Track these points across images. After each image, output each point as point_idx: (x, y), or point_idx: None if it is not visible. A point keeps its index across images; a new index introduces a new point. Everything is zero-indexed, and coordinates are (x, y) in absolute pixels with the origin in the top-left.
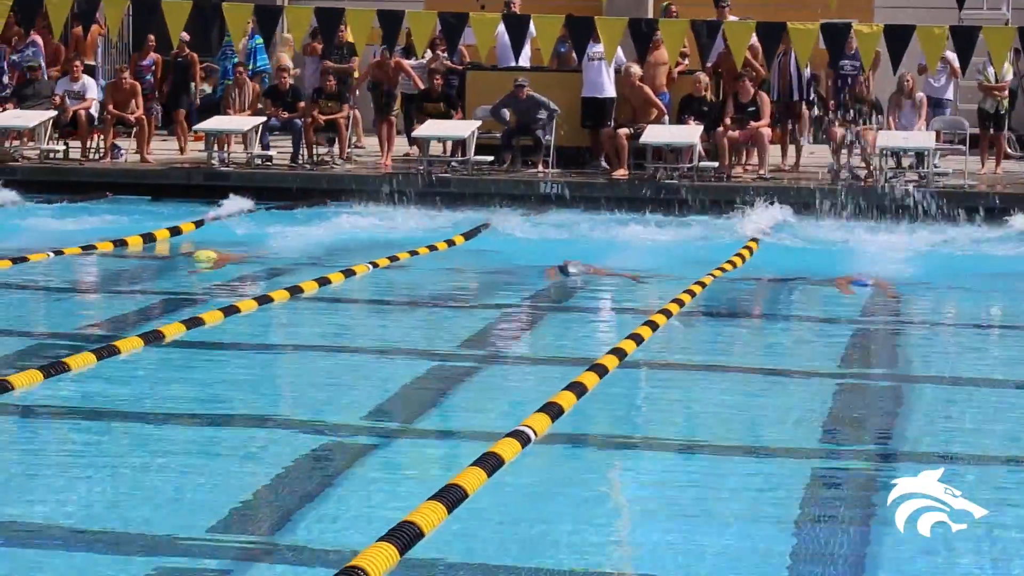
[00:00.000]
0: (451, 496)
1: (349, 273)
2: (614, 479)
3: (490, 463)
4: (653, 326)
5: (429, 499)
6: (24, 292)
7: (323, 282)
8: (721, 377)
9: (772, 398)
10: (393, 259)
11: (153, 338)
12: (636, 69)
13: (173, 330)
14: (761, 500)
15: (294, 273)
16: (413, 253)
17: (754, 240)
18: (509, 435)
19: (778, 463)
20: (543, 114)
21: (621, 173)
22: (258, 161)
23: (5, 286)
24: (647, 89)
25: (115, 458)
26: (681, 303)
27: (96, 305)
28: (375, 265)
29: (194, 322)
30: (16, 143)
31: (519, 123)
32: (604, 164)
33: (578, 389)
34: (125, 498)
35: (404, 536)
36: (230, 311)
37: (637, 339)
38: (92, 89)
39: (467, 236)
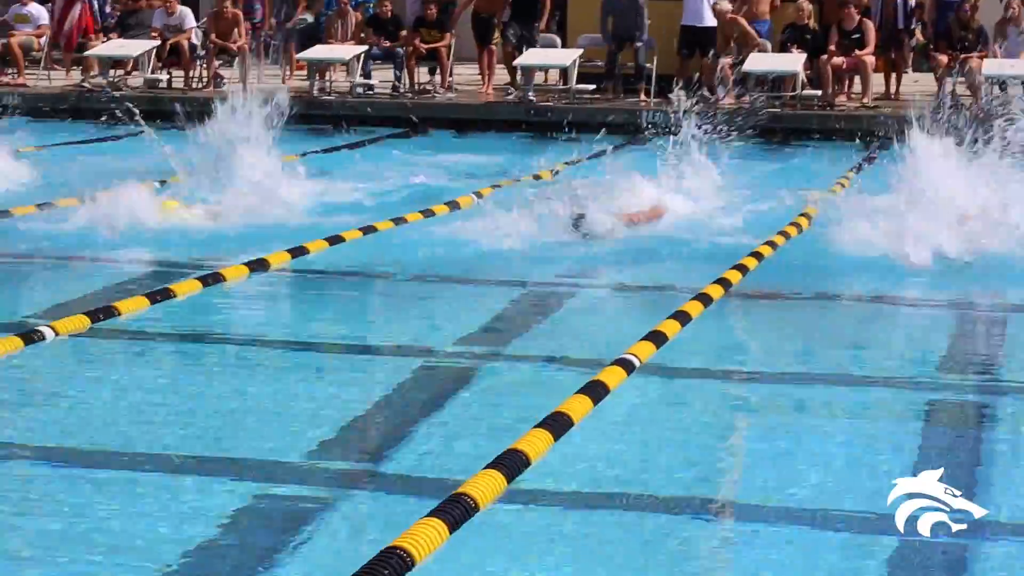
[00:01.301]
0: (557, 424)
1: (454, 205)
2: (717, 408)
3: (596, 391)
4: (759, 256)
5: (535, 427)
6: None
7: (428, 214)
8: (825, 306)
9: (877, 329)
10: (496, 187)
11: (258, 266)
12: (725, 5)
13: (278, 259)
14: (866, 430)
15: (399, 204)
16: (516, 180)
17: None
18: (614, 363)
19: (884, 393)
20: (641, 23)
21: (728, 102)
22: (360, 90)
23: None
24: (742, 21)
25: (219, 383)
26: (787, 235)
27: (203, 233)
28: (479, 195)
29: (299, 251)
30: (120, 72)
31: (617, 30)
32: (706, 93)
33: (683, 318)
34: (227, 423)
35: (511, 464)
36: (335, 240)
37: (742, 269)
38: (189, 19)
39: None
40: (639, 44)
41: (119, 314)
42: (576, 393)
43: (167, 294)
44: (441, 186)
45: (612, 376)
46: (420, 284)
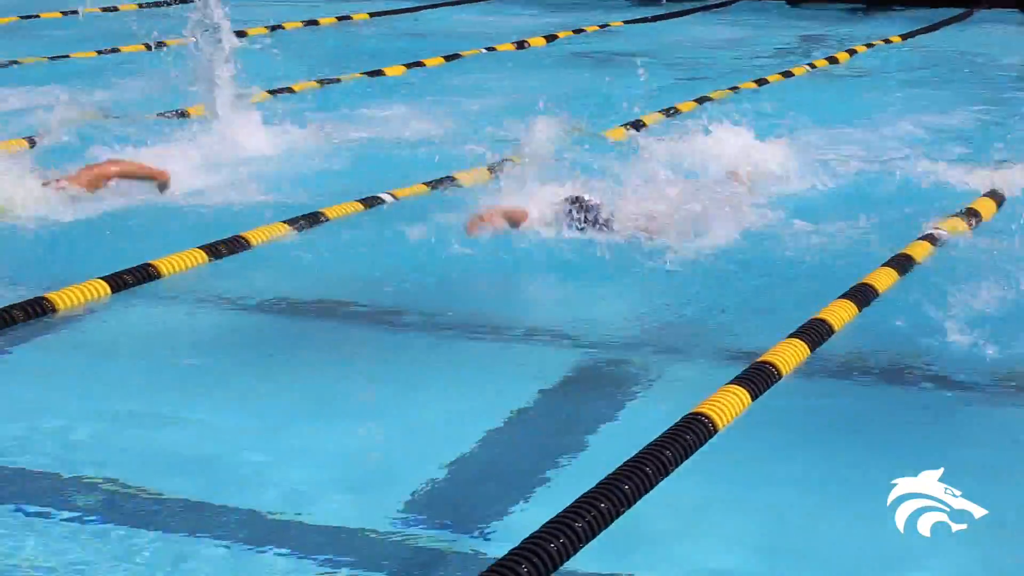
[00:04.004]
0: (862, 295)
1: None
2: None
3: (901, 264)
4: None
5: (839, 297)
6: (457, 89)
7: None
8: None
9: None
10: (831, 60)
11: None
12: None
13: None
14: None
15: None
16: (852, 52)
17: None
18: (921, 238)
19: None
20: None
21: None
22: None
23: (438, 76)
24: None
25: (534, 257)
26: None
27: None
28: (812, 67)
29: (637, 124)
30: None
31: None
32: None
33: (997, 196)
34: (542, 295)
35: (815, 333)
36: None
37: None
38: None
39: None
40: None
41: (457, 183)
42: (882, 265)
43: (450, 181)
44: (776, 56)
45: (919, 250)
46: None
